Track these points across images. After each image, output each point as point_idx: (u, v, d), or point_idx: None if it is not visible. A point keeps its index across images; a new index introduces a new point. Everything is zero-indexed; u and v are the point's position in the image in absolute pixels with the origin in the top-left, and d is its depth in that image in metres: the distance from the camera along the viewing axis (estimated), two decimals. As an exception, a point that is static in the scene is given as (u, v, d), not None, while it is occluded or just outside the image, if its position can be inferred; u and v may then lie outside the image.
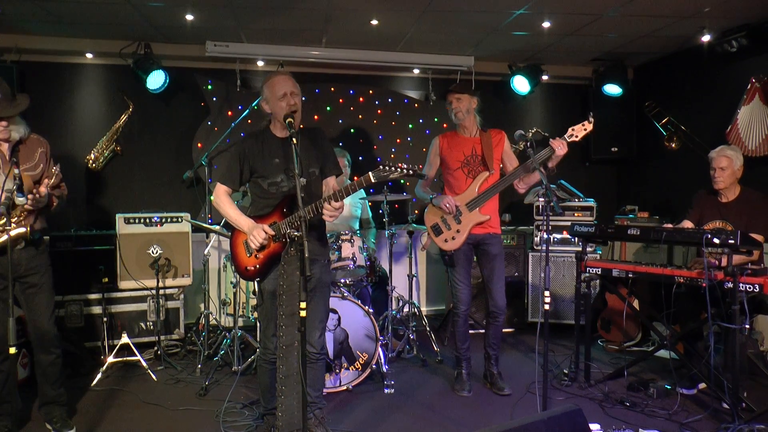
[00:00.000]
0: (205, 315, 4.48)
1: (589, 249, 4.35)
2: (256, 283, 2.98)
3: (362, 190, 4.52)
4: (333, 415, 3.38)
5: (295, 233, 2.51)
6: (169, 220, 4.72)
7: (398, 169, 2.42)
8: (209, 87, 5.42)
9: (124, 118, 5.26)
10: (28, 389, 3.47)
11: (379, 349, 3.86)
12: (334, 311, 3.73)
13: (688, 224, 3.91)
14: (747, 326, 3.48)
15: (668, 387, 3.75)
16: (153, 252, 4.59)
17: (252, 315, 4.58)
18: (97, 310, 4.48)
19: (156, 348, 4.41)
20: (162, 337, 4.46)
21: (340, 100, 5.73)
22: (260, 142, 2.91)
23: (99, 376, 3.92)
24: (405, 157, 5.85)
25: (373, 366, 3.83)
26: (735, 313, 3.17)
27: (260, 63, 5.49)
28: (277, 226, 2.78)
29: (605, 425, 3.20)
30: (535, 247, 5.32)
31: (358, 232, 4.38)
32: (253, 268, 2.88)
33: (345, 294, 3.81)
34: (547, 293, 3.07)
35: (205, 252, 4.57)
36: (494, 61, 5.78)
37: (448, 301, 5.43)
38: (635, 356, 4.26)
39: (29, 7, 4.19)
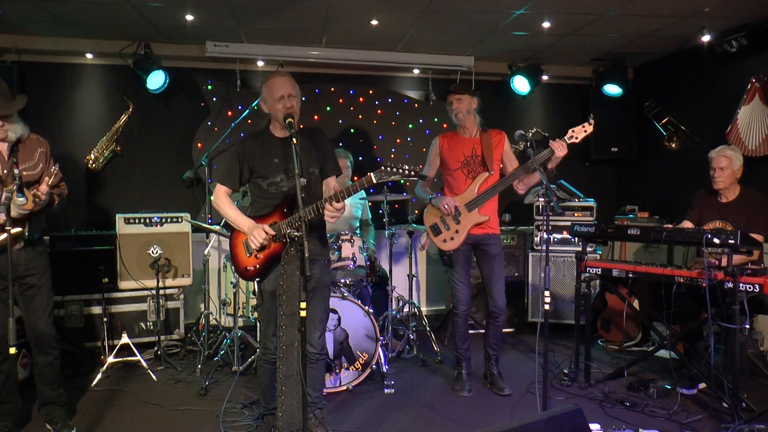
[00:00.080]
0: (205, 315, 4.48)
1: (589, 249, 4.35)
2: (256, 283, 2.98)
3: (362, 191, 4.51)
4: (333, 415, 3.38)
5: (296, 233, 2.51)
6: (169, 220, 4.72)
7: (400, 171, 2.43)
8: (209, 87, 5.42)
9: (124, 118, 5.26)
10: (29, 389, 3.46)
11: (379, 349, 3.86)
12: (334, 311, 3.74)
13: (687, 224, 3.91)
14: (747, 326, 3.49)
15: (668, 387, 3.75)
16: (153, 252, 4.59)
17: (252, 315, 4.58)
18: (97, 310, 4.48)
19: (156, 348, 4.41)
20: (162, 337, 4.46)
21: (340, 100, 5.72)
22: (260, 143, 2.91)
23: (99, 376, 3.92)
24: (405, 157, 5.85)
25: (373, 366, 3.83)
26: (735, 313, 3.17)
27: (260, 63, 5.49)
28: (278, 226, 2.78)
29: (605, 425, 3.20)
30: (535, 247, 5.32)
31: (358, 232, 4.38)
32: (253, 268, 2.88)
33: (345, 294, 3.81)
34: (547, 293, 3.07)
35: (205, 252, 4.57)
36: (494, 61, 5.78)
37: (448, 301, 5.43)
38: (635, 356, 4.26)
39: (29, 7, 4.19)
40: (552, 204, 3.05)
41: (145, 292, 4.59)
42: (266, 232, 2.75)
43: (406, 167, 2.44)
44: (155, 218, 4.68)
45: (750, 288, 3.17)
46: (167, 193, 5.45)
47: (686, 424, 3.25)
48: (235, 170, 2.90)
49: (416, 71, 5.89)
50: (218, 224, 4.40)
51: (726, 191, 3.80)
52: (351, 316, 3.79)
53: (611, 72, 5.78)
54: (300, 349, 2.45)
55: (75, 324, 4.44)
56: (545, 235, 3.31)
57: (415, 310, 4.72)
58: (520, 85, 5.75)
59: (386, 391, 3.78)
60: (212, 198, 3.03)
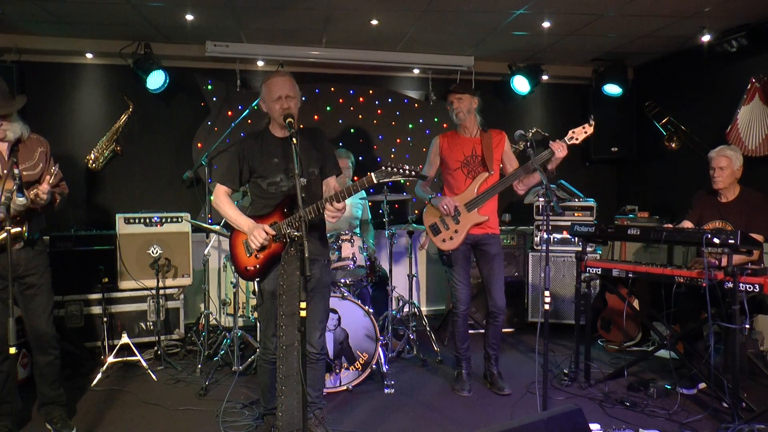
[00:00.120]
0: (205, 315, 4.48)
1: (589, 249, 4.35)
2: (256, 283, 2.98)
3: (362, 190, 4.51)
4: (333, 415, 3.38)
5: (296, 233, 2.51)
6: (169, 220, 4.72)
7: (400, 171, 2.43)
8: (209, 87, 5.42)
9: (124, 118, 5.26)
10: (29, 389, 3.46)
11: (379, 349, 3.86)
12: (334, 311, 3.74)
13: (687, 224, 3.91)
14: (747, 326, 3.49)
15: (668, 387, 3.75)
16: (153, 252, 4.59)
17: (252, 315, 4.58)
18: (97, 310, 4.48)
19: (156, 348, 4.41)
20: (162, 337, 4.46)
21: (340, 100, 5.72)
22: (259, 142, 2.91)
23: (99, 376, 3.92)
24: (405, 157, 5.85)
25: (373, 366, 3.83)
26: (735, 313, 3.17)
27: (260, 63, 5.49)
28: (278, 226, 2.78)
29: (605, 425, 3.20)
30: (535, 247, 5.32)
31: (358, 231, 4.38)
32: (253, 268, 2.88)
33: (345, 294, 3.81)
34: (547, 293, 3.07)
35: (205, 252, 4.57)
36: (494, 61, 5.78)
37: (448, 301, 5.43)
38: (635, 356, 4.26)
39: (29, 7, 4.19)
40: (552, 204, 3.05)
41: (145, 292, 4.59)
42: (266, 232, 2.75)
43: (407, 167, 2.44)
44: (155, 218, 4.68)
45: (750, 288, 3.17)
46: (167, 193, 5.45)
47: (686, 424, 3.25)
48: (235, 170, 2.90)
49: (416, 71, 5.89)
50: (218, 224, 4.40)
51: (726, 191, 3.80)
52: (351, 316, 3.79)
53: (611, 72, 5.78)
54: (300, 349, 2.45)
55: (75, 324, 4.44)
56: (545, 235, 3.30)
57: (415, 310, 4.72)
58: (520, 85, 5.75)
59: (386, 391, 3.78)
60: (212, 198, 3.03)
